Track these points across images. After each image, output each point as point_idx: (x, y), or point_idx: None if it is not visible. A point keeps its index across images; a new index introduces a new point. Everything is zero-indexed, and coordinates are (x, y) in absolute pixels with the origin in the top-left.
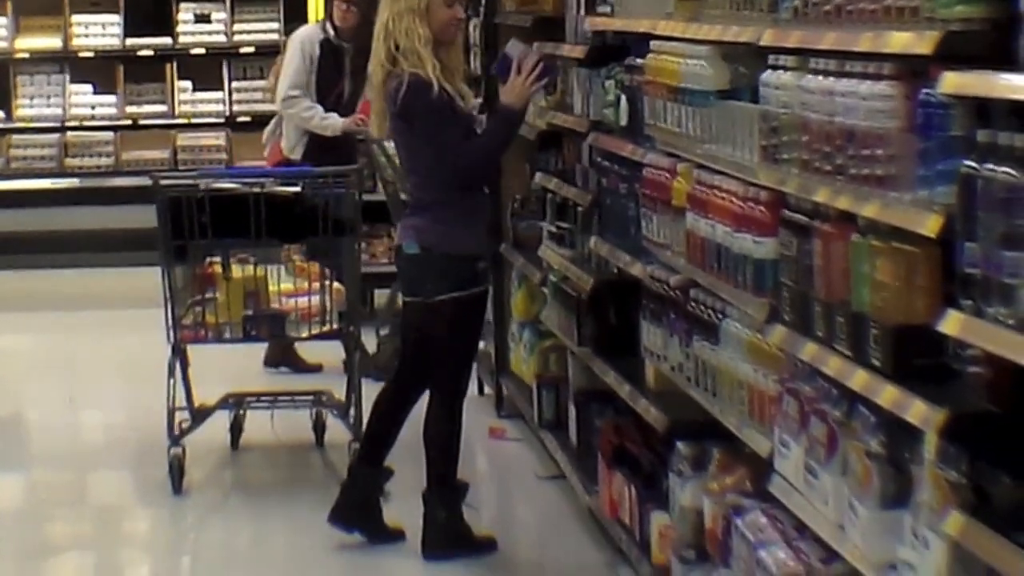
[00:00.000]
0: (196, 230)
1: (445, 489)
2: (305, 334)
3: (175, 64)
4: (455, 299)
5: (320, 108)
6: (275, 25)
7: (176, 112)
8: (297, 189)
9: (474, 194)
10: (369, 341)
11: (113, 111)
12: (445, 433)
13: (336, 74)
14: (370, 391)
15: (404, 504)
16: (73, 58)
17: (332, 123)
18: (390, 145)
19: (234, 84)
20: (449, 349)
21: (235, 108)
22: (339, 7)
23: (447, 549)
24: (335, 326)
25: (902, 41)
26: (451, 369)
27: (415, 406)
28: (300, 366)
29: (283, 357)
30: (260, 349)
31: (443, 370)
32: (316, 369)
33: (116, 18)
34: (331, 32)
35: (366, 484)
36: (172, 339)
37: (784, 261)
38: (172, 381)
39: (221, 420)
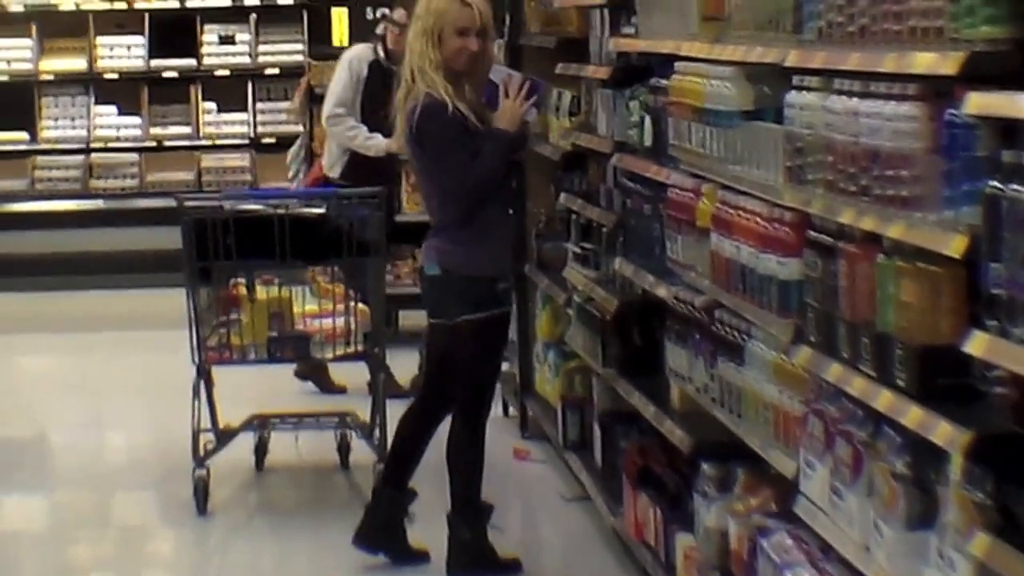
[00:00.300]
0: (221, 251)
1: (469, 510)
2: (330, 355)
3: (200, 85)
4: (476, 320)
5: (364, 128)
6: (299, 47)
7: (201, 133)
8: (322, 210)
9: (493, 215)
10: (396, 362)
11: (138, 132)
12: (469, 454)
13: (382, 95)
14: (395, 412)
15: (428, 526)
16: (98, 79)
17: (376, 143)
18: None
19: (258, 105)
20: (472, 370)
21: (259, 129)
22: (391, 30)
23: (472, 571)
24: (360, 347)
25: (927, 61)
26: (474, 390)
27: (439, 427)
28: (327, 386)
29: (312, 373)
30: (285, 370)
31: (467, 391)
32: (341, 391)
33: (141, 40)
34: (381, 54)
35: (390, 506)
36: (197, 360)
37: (809, 282)
38: (197, 402)
39: (246, 441)
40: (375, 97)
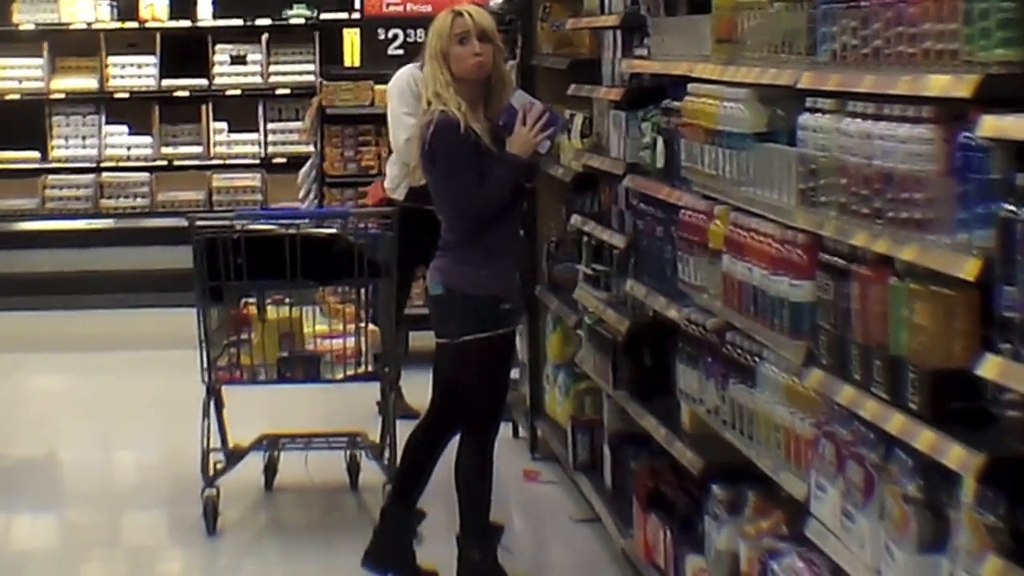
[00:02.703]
0: (232, 271)
1: (478, 531)
2: (340, 376)
3: (210, 105)
4: (480, 340)
5: None
6: (310, 67)
7: (211, 153)
8: (333, 231)
9: (498, 236)
10: (407, 383)
11: (148, 152)
12: (476, 474)
13: None
14: (405, 433)
15: (438, 546)
16: (109, 99)
17: None
18: None
19: (269, 125)
20: (477, 389)
21: (270, 149)
22: None
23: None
24: (370, 368)
25: (941, 84)
26: (480, 410)
27: (447, 447)
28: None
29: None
30: (295, 390)
31: (472, 411)
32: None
33: (152, 59)
34: None
35: (398, 526)
36: (207, 380)
37: (821, 304)
38: (207, 422)
39: (255, 461)
40: None
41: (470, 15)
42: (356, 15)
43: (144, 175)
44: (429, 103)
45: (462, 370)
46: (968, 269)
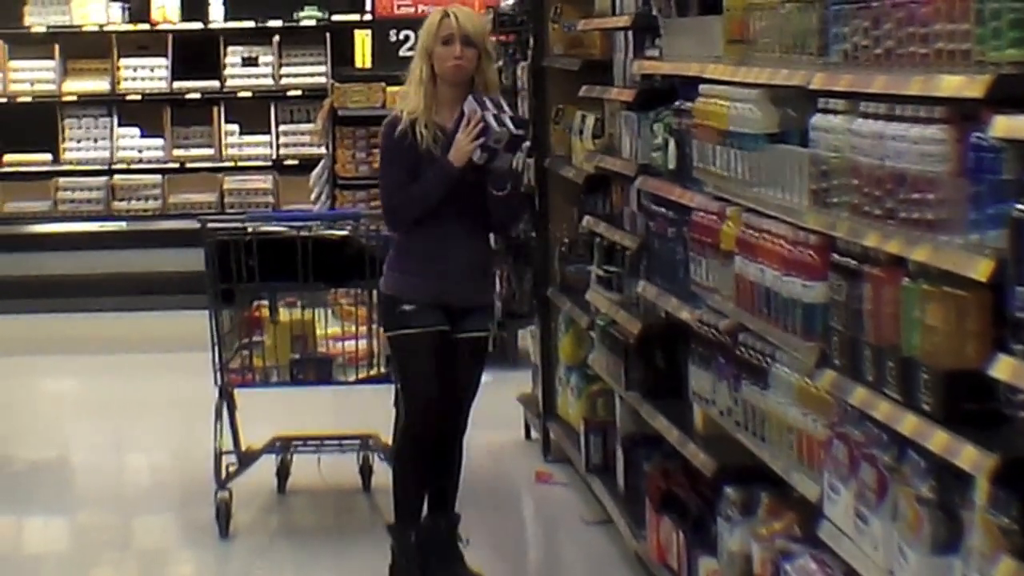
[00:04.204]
0: (244, 273)
1: (396, 523)
2: (352, 378)
3: (222, 107)
4: (388, 338)
5: None
6: (322, 68)
7: (223, 155)
8: (345, 232)
9: (423, 237)
10: None
11: (160, 154)
12: (397, 465)
13: None
14: None
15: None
16: (120, 101)
17: None
18: None
19: (281, 127)
20: (399, 382)
21: (282, 151)
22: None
23: None
24: (382, 370)
25: (953, 85)
26: (405, 401)
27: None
28: None
29: None
30: (307, 393)
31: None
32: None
33: (164, 61)
34: None
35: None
36: (219, 382)
37: (833, 305)
38: (219, 424)
39: (268, 464)
40: None
41: (456, 18)
42: (367, 16)
43: (156, 177)
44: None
45: (392, 366)
46: (980, 270)
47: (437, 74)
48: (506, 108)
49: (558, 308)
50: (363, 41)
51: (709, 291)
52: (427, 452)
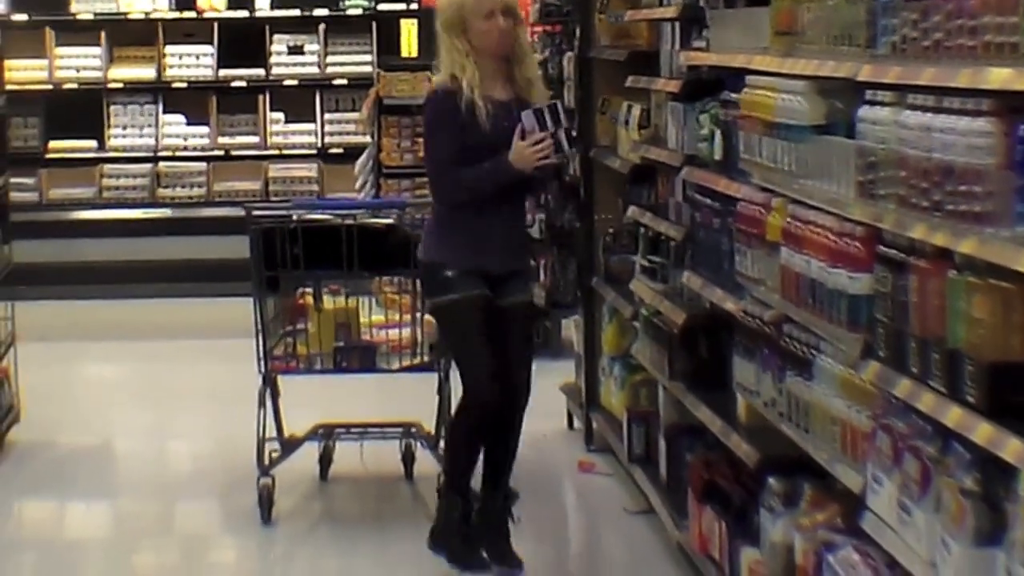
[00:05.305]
0: (288, 261)
1: (447, 492)
2: (396, 366)
3: (267, 95)
4: (432, 306)
5: None
6: (368, 57)
7: (268, 143)
8: (390, 221)
9: (468, 212)
10: None
11: (205, 142)
12: (451, 435)
13: None
14: None
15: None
16: (166, 88)
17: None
18: None
19: (326, 116)
20: (452, 354)
21: (327, 140)
22: None
23: (438, 551)
24: (426, 358)
25: (1001, 77)
26: (460, 373)
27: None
28: None
29: None
30: (350, 380)
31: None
32: None
33: (209, 49)
34: None
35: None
36: (263, 369)
37: (879, 297)
38: (262, 411)
39: (310, 451)
40: None
41: None
42: (414, 5)
43: (201, 165)
44: (454, 77)
45: (442, 336)
46: None
47: (475, 47)
48: (561, 113)
49: (602, 298)
50: (409, 30)
51: (754, 282)
52: (486, 423)
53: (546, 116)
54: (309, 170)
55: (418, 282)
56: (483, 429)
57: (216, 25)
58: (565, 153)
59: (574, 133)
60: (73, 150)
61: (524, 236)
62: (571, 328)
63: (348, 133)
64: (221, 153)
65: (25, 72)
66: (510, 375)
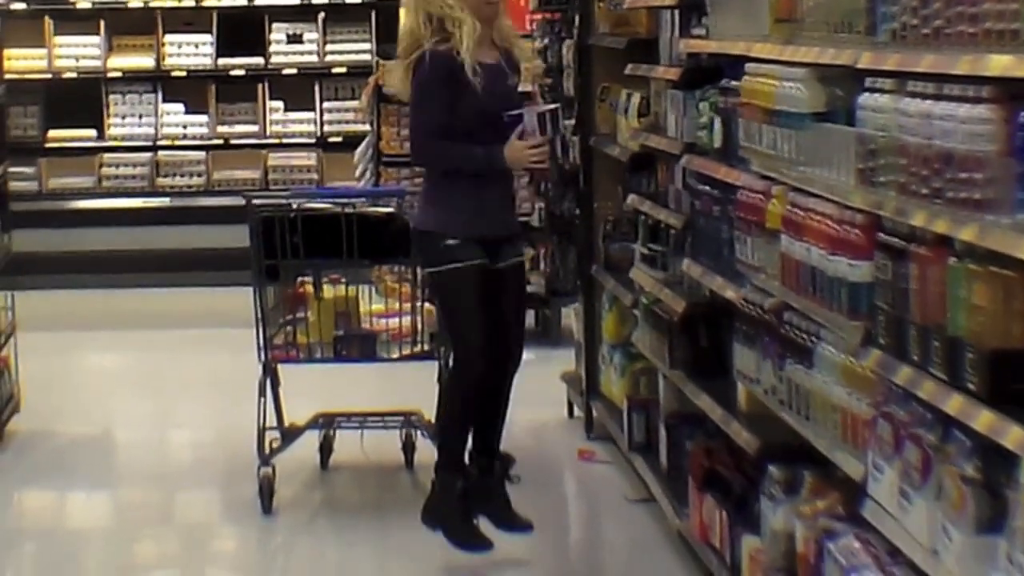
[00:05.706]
0: (288, 250)
1: (441, 464)
2: (396, 355)
3: (267, 84)
4: (432, 275)
5: None
6: (367, 46)
7: (267, 132)
8: (390, 209)
9: (461, 181)
10: None
11: (205, 131)
12: (445, 407)
13: None
14: None
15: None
16: (165, 77)
17: None
18: None
19: (325, 104)
20: (445, 323)
21: (326, 128)
22: None
23: (433, 525)
24: (426, 347)
25: (1001, 64)
26: (453, 343)
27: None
28: None
29: None
30: (350, 369)
31: (451, 343)
32: None
33: (208, 38)
34: None
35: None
36: (263, 358)
37: (879, 284)
38: (262, 400)
39: (311, 440)
40: None
41: None
42: None
43: (200, 154)
44: (445, 39)
45: (437, 305)
46: None
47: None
48: (561, 120)
49: (602, 286)
50: None
51: (754, 270)
52: (479, 392)
53: (547, 121)
54: (308, 159)
55: (419, 275)
56: (474, 400)
57: (215, 14)
58: (557, 159)
59: (571, 136)
60: (72, 139)
61: (514, 198)
62: (571, 316)
63: (347, 121)
64: (220, 142)
65: (24, 61)
66: (507, 334)
